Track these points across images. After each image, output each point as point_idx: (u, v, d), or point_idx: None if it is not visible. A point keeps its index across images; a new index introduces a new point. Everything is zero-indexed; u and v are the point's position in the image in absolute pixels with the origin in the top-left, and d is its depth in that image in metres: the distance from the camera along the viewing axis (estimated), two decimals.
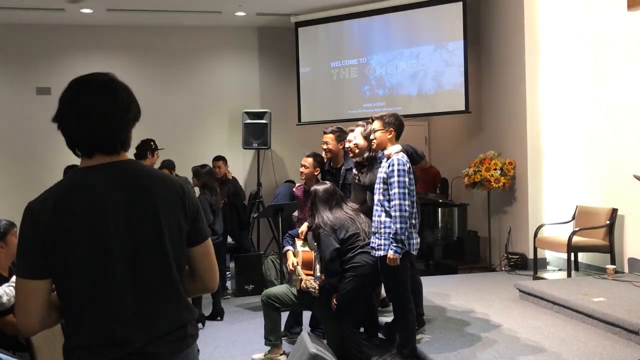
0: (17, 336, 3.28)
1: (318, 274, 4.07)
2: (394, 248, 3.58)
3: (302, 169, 4.71)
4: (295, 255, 4.40)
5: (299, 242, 4.43)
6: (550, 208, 6.81)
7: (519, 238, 6.97)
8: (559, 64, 6.64)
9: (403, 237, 3.59)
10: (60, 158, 6.29)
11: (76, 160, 1.63)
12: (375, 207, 3.78)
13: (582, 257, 6.07)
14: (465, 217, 7.21)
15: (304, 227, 4.44)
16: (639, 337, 3.82)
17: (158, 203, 1.61)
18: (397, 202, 3.60)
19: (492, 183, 6.84)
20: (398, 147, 3.77)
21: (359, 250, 3.86)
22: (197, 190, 5.71)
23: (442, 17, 7.47)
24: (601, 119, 5.98)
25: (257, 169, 8.31)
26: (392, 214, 3.62)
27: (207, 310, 5.82)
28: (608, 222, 5.61)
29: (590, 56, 6.13)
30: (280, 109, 8.64)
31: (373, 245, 3.74)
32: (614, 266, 5.35)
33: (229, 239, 7.14)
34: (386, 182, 3.69)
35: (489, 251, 7.47)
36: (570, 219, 6.18)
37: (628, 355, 3.65)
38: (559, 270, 6.47)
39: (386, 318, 4.56)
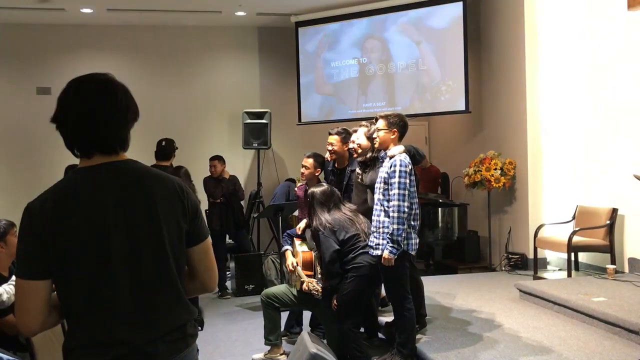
0: (17, 336, 3.29)
1: (319, 275, 4.06)
2: (390, 248, 3.59)
3: (302, 170, 4.71)
4: (294, 255, 4.40)
5: (297, 242, 4.43)
6: (551, 208, 6.81)
7: (519, 238, 6.97)
8: (559, 64, 6.64)
9: (399, 238, 3.59)
10: (60, 158, 6.27)
11: (76, 160, 1.63)
12: (375, 207, 3.78)
13: (583, 257, 6.07)
14: (465, 217, 7.21)
15: (302, 224, 4.44)
16: (639, 337, 3.82)
17: (157, 203, 1.61)
18: (395, 203, 3.60)
19: (492, 183, 6.84)
20: (401, 147, 3.77)
21: (360, 251, 3.86)
22: None
23: (442, 17, 7.47)
24: (601, 119, 5.98)
25: (257, 169, 8.31)
26: (390, 214, 3.62)
27: (206, 310, 5.83)
28: (608, 222, 5.61)
29: (590, 56, 6.13)
30: (280, 109, 8.64)
31: (371, 244, 3.74)
32: (614, 266, 5.35)
33: (229, 239, 7.15)
34: (387, 182, 3.69)
35: (489, 251, 7.46)
36: (571, 218, 6.18)
37: (628, 355, 3.65)
38: (559, 270, 6.47)
39: (386, 318, 4.56)
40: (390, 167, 3.67)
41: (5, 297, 3.07)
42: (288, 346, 4.45)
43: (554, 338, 4.06)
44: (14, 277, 3.21)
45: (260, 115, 8.07)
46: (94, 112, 1.57)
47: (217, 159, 6.85)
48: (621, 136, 5.69)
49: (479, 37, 7.86)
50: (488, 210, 7.33)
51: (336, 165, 4.64)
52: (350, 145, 4.30)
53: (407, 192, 3.62)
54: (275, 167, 8.70)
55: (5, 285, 3.13)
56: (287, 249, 4.46)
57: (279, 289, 4.38)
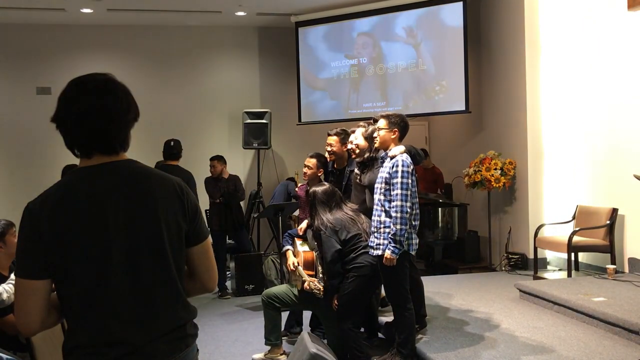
0: (17, 336, 3.29)
1: (321, 275, 4.07)
2: (392, 248, 3.59)
3: (305, 170, 4.71)
4: (295, 254, 4.40)
5: (298, 242, 4.43)
6: (551, 208, 6.81)
7: (519, 238, 6.97)
8: (559, 64, 6.64)
9: (402, 239, 3.59)
10: (60, 158, 6.28)
11: (75, 160, 1.63)
12: (375, 207, 3.78)
13: (583, 257, 6.07)
14: (465, 217, 7.21)
15: (303, 225, 4.45)
16: (639, 337, 3.82)
17: (157, 203, 1.61)
18: (398, 203, 3.60)
19: (493, 183, 6.84)
20: (402, 147, 3.77)
21: (362, 251, 3.86)
22: None
23: (442, 16, 7.47)
24: (601, 119, 5.98)
25: (257, 169, 8.31)
26: (393, 214, 3.62)
27: (206, 310, 5.83)
28: (608, 222, 5.61)
29: (590, 56, 6.13)
30: (280, 109, 8.65)
31: (372, 244, 3.74)
32: (614, 266, 5.35)
33: (229, 239, 7.15)
34: (388, 182, 3.69)
35: (489, 251, 7.46)
36: (571, 218, 6.18)
37: (628, 355, 3.65)
38: (559, 270, 6.47)
39: (386, 318, 4.56)
40: (392, 167, 3.67)
41: (5, 296, 3.07)
42: (288, 346, 4.46)
43: (554, 338, 4.06)
44: (13, 276, 3.22)
45: (260, 115, 8.07)
46: (95, 112, 1.57)
47: (217, 159, 6.85)
48: (621, 136, 5.69)
49: (479, 37, 7.86)
50: (488, 210, 7.33)
51: (335, 165, 4.64)
52: (348, 146, 4.30)
53: (409, 192, 3.63)
54: (275, 167, 8.70)
55: (4, 285, 3.13)
56: (288, 249, 4.46)
57: (279, 289, 4.38)
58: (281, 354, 4.26)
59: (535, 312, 4.76)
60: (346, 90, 8.16)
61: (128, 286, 1.57)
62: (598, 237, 5.65)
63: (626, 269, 5.61)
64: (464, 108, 7.38)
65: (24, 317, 1.56)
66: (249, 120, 8.04)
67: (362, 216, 4.05)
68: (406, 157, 3.69)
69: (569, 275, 5.58)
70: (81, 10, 7.73)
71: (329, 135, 4.53)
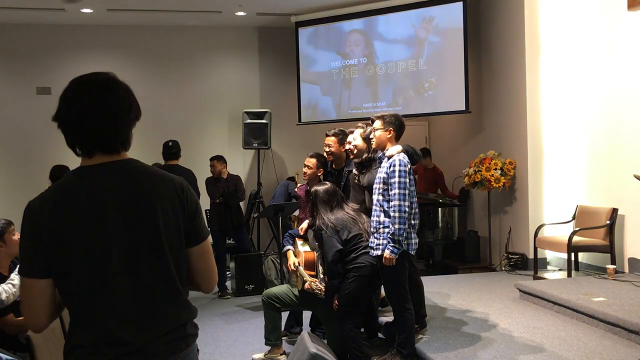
0: (17, 336, 3.29)
1: (322, 275, 4.06)
2: (391, 248, 3.59)
3: (305, 170, 4.71)
4: (296, 255, 4.40)
5: (299, 242, 4.43)
6: (551, 208, 6.81)
7: (519, 238, 6.97)
8: (559, 64, 6.64)
9: (401, 238, 3.59)
10: (60, 158, 6.29)
11: (69, 160, 1.63)
12: (374, 207, 3.78)
13: (583, 257, 6.07)
14: (465, 217, 7.21)
15: (304, 225, 4.44)
16: (639, 337, 3.82)
17: (156, 203, 1.61)
18: (396, 202, 3.60)
19: (493, 183, 6.83)
20: (399, 147, 3.77)
21: (362, 251, 3.86)
22: None
23: (442, 17, 7.47)
24: (601, 119, 5.98)
25: (257, 169, 8.31)
26: (391, 214, 3.61)
27: (206, 310, 5.83)
28: (608, 222, 5.61)
29: (590, 56, 6.13)
30: (280, 109, 8.65)
31: (372, 245, 3.74)
32: (614, 266, 5.35)
33: (229, 239, 7.15)
34: (386, 182, 3.69)
35: (489, 251, 7.46)
36: (571, 218, 6.18)
37: (628, 355, 3.65)
38: (559, 270, 6.47)
39: (386, 318, 4.57)
40: (390, 167, 3.67)
41: (4, 296, 3.07)
42: (288, 346, 4.46)
43: (554, 338, 4.06)
44: (12, 276, 3.22)
45: (260, 115, 8.07)
46: (96, 111, 1.57)
47: (216, 159, 6.86)
48: (621, 136, 5.68)
49: (479, 37, 7.86)
50: (488, 210, 7.33)
51: (333, 166, 4.64)
52: (347, 146, 4.30)
53: (407, 191, 3.62)
54: (275, 167, 8.70)
55: (4, 285, 3.13)
56: (288, 249, 4.46)
57: (280, 289, 4.38)
58: (281, 354, 4.26)
59: (535, 312, 4.76)
60: (346, 90, 8.16)
61: (128, 286, 1.57)
62: (598, 237, 5.64)
63: (626, 269, 5.61)
64: (464, 108, 7.38)
65: (31, 314, 1.58)
66: (249, 120, 8.04)
67: (363, 216, 4.05)
68: (403, 157, 3.69)
69: (569, 275, 5.58)
70: (81, 10, 7.73)
71: (327, 135, 4.53)
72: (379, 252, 3.66)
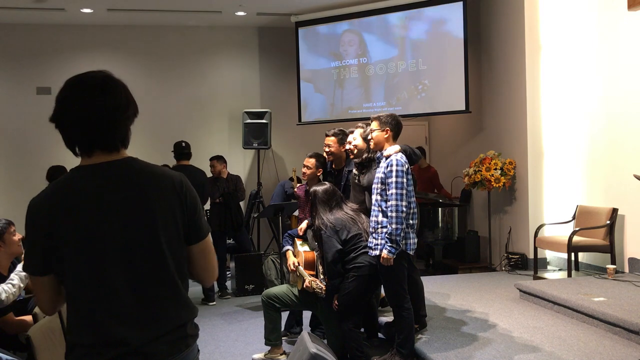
0: (17, 336, 3.29)
1: (322, 275, 4.06)
2: (389, 248, 3.59)
3: (304, 170, 4.70)
4: (295, 255, 4.40)
5: (298, 242, 4.43)
6: (551, 208, 6.81)
7: (519, 238, 6.97)
8: (559, 64, 6.64)
9: (398, 238, 3.59)
10: (60, 158, 6.30)
11: (69, 161, 1.63)
12: (373, 207, 3.78)
13: (583, 257, 6.07)
14: (465, 217, 7.21)
15: (303, 225, 4.44)
16: (639, 337, 3.82)
17: (154, 201, 1.61)
18: (393, 202, 3.60)
19: (493, 183, 6.84)
20: (397, 147, 3.77)
21: (362, 251, 3.86)
22: None
23: (442, 16, 7.47)
24: (601, 119, 5.98)
25: (257, 168, 8.31)
26: (389, 214, 3.62)
27: (206, 310, 5.83)
28: (608, 222, 5.61)
29: (590, 56, 6.13)
30: (280, 108, 8.65)
31: (370, 244, 3.75)
32: (614, 266, 5.35)
33: (229, 239, 7.15)
34: (384, 182, 3.69)
35: (489, 251, 7.46)
36: (571, 218, 6.18)
37: (628, 355, 3.65)
38: (559, 270, 6.47)
39: (386, 318, 4.57)
40: (387, 167, 3.67)
41: (3, 296, 3.07)
42: (288, 346, 4.46)
43: (554, 338, 4.06)
44: (12, 275, 3.22)
45: (260, 115, 8.07)
46: (94, 109, 1.56)
47: (216, 159, 6.86)
48: (621, 136, 5.68)
49: (479, 37, 7.86)
50: (488, 210, 7.33)
51: (333, 166, 4.64)
52: (347, 147, 4.30)
53: (404, 191, 3.62)
54: (275, 167, 8.70)
55: (3, 285, 3.13)
56: (288, 249, 4.46)
57: (279, 289, 4.38)
58: (281, 354, 4.26)
59: (535, 312, 4.76)
60: (346, 90, 8.16)
61: (126, 286, 1.57)
62: (598, 237, 5.64)
63: (626, 269, 5.61)
64: (464, 108, 7.38)
65: (40, 304, 1.68)
66: (249, 120, 8.04)
67: (363, 216, 4.05)
68: (401, 157, 3.69)
69: (569, 275, 5.58)
70: (81, 10, 7.73)
71: (327, 135, 4.53)
72: (377, 252, 3.67)
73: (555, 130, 6.74)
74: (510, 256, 6.81)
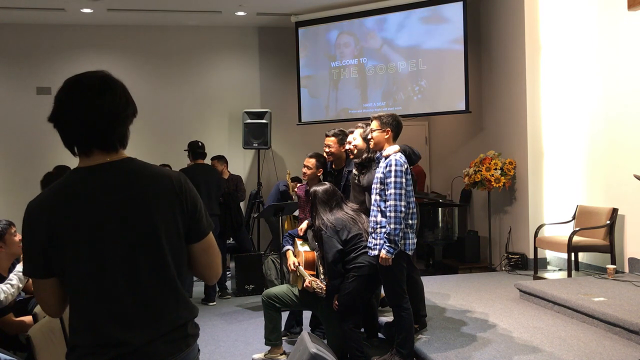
0: (17, 336, 3.29)
1: (322, 275, 4.06)
2: (387, 248, 3.59)
3: (304, 170, 4.70)
4: (295, 255, 4.40)
5: (298, 242, 4.43)
6: (551, 208, 6.81)
7: (519, 238, 6.97)
8: (559, 64, 6.64)
9: (397, 238, 3.59)
10: (60, 158, 6.29)
11: (70, 160, 1.62)
12: (372, 207, 3.78)
13: (583, 257, 6.07)
14: (465, 217, 7.21)
15: (304, 225, 4.44)
16: (639, 337, 3.82)
17: (153, 202, 1.60)
18: (392, 202, 3.60)
19: (493, 183, 6.84)
20: (396, 147, 3.77)
21: (362, 251, 3.86)
22: None
23: (442, 16, 7.47)
24: (601, 119, 5.98)
25: (258, 168, 8.31)
26: (387, 214, 3.62)
27: (206, 310, 5.83)
28: (608, 222, 5.61)
29: (590, 56, 6.13)
30: (280, 109, 8.65)
31: (370, 245, 3.75)
32: (614, 266, 5.35)
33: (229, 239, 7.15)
34: (383, 182, 3.69)
35: (489, 251, 7.46)
36: (571, 218, 6.18)
37: (628, 355, 3.65)
38: (559, 270, 6.47)
39: (386, 318, 4.56)
40: (386, 167, 3.67)
41: (2, 296, 3.07)
42: (288, 346, 4.46)
43: (554, 338, 4.06)
44: (10, 276, 3.22)
45: (260, 115, 8.07)
46: (93, 109, 1.56)
47: (216, 159, 6.87)
48: (621, 136, 5.68)
49: (479, 37, 7.86)
50: (488, 210, 7.33)
51: (333, 166, 4.64)
52: (347, 147, 4.30)
53: (403, 191, 3.62)
54: (275, 167, 8.70)
55: (2, 285, 3.13)
56: (288, 249, 4.46)
57: (280, 289, 4.38)
58: (281, 354, 4.26)
59: (535, 312, 4.76)
60: (346, 90, 8.15)
61: (125, 286, 1.56)
62: (598, 237, 5.64)
63: (626, 269, 5.61)
64: (464, 108, 7.38)
65: (44, 306, 1.66)
66: (249, 120, 8.04)
67: (363, 216, 4.05)
68: (400, 157, 3.69)
69: (569, 275, 5.58)
70: (81, 10, 7.73)
71: (327, 135, 4.53)
72: (376, 252, 3.67)
73: (555, 130, 6.74)
74: (510, 256, 6.81)
